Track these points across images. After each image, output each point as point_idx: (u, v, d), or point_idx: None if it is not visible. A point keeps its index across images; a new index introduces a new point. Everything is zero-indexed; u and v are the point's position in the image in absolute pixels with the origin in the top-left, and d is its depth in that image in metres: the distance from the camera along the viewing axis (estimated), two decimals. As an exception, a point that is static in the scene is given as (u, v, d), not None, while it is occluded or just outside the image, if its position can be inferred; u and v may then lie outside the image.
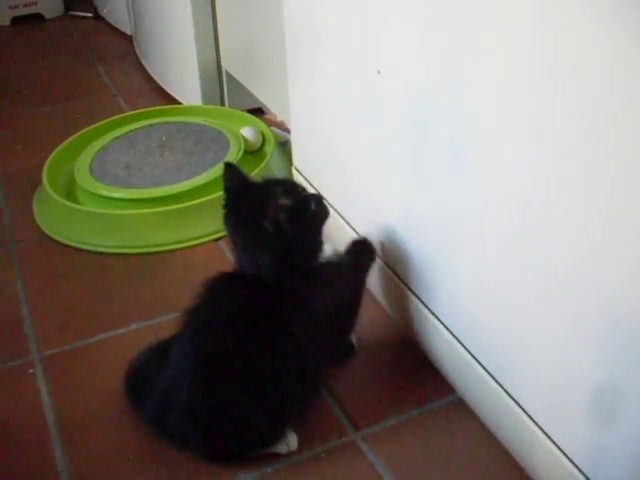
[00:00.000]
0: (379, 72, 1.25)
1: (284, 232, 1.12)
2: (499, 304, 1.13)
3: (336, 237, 1.33)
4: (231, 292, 1.18)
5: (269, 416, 1.15)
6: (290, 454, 1.20)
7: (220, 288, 1.19)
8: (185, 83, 2.37)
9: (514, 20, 0.93)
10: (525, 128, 0.97)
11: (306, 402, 1.21)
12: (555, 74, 0.89)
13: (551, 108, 0.91)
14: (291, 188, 1.18)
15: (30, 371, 1.39)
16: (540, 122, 0.93)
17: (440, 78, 1.11)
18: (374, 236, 1.43)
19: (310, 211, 1.17)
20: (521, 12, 0.91)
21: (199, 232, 1.73)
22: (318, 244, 1.19)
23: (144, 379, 1.23)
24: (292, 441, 1.20)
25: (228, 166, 1.19)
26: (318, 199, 1.20)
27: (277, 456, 1.19)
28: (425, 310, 1.33)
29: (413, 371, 1.35)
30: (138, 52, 2.80)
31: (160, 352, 1.24)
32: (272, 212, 1.11)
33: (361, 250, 1.33)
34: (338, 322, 1.27)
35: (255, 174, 1.73)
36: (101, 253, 1.72)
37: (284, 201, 1.12)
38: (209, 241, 1.73)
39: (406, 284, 1.38)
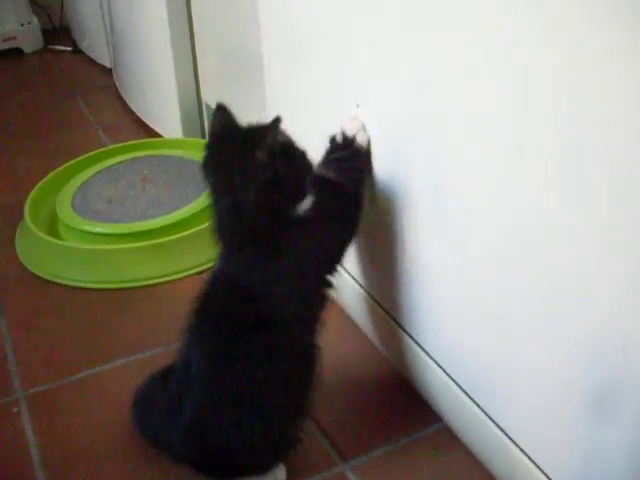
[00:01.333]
0: (358, 106, 1.27)
1: (275, 166, 1.09)
2: (481, 332, 1.14)
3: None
4: (218, 305, 1.17)
5: (268, 437, 1.15)
6: (279, 487, 1.20)
7: (207, 304, 1.18)
8: (165, 116, 2.38)
9: (495, 53, 0.95)
10: (508, 158, 0.98)
11: (298, 424, 1.19)
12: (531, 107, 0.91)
13: (537, 137, 0.93)
14: (283, 132, 1.15)
15: (15, 410, 1.38)
16: (521, 152, 0.95)
17: (419, 112, 1.13)
18: (355, 270, 1.45)
19: (300, 155, 1.15)
20: (501, 45, 0.93)
21: (182, 266, 1.73)
22: (301, 193, 1.15)
23: (151, 402, 1.24)
24: (280, 472, 1.20)
25: (220, 108, 1.17)
26: (305, 152, 1.17)
27: (266, 489, 1.20)
28: (410, 341, 1.33)
29: (399, 400, 1.36)
30: (118, 85, 2.81)
31: (166, 376, 1.24)
32: (268, 143, 1.08)
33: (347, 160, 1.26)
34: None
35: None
36: (84, 288, 1.72)
37: (280, 136, 1.11)
38: (192, 274, 1.73)
39: (390, 314, 1.38)
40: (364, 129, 1.27)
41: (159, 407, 1.21)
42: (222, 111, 1.16)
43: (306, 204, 1.14)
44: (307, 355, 1.18)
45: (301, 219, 1.14)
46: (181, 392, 1.16)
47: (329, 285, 1.20)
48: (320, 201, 1.15)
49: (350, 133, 1.26)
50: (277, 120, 1.10)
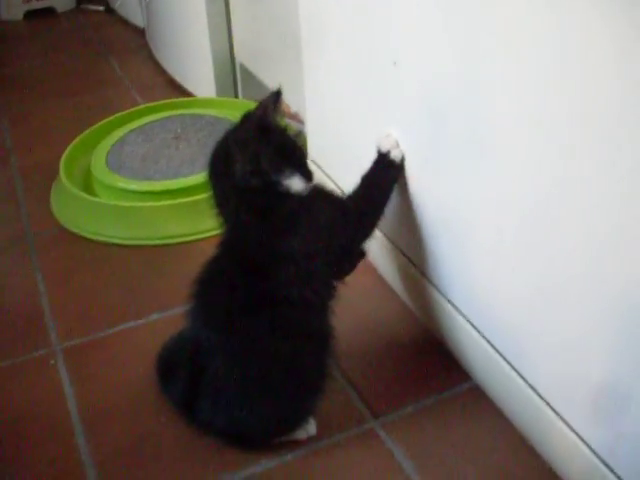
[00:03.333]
0: (395, 63, 1.26)
1: (266, 120, 1.12)
2: (515, 292, 1.14)
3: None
4: (225, 278, 1.18)
5: (296, 400, 1.18)
6: (309, 441, 1.22)
7: (215, 275, 1.20)
8: (198, 75, 2.38)
9: (532, 13, 0.94)
10: (543, 119, 0.97)
11: (324, 380, 1.19)
12: (570, 73, 0.90)
13: (571, 104, 0.92)
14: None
15: (52, 362, 1.41)
16: (557, 116, 0.94)
17: (456, 70, 1.12)
18: (387, 227, 1.45)
19: (289, 136, 1.16)
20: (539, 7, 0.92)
21: (215, 224, 1.74)
22: (289, 165, 1.13)
23: (175, 362, 1.25)
24: (311, 427, 1.22)
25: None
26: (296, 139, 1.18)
27: (296, 443, 1.21)
28: (442, 298, 1.34)
29: (430, 359, 1.37)
30: (151, 45, 2.81)
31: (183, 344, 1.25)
32: (265, 102, 1.12)
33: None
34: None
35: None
36: (119, 245, 1.74)
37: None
38: (225, 232, 1.74)
39: (423, 273, 1.39)
40: (397, 145, 1.30)
41: (180, 381, 1.23)
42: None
43: (298, 185, 1.13)
44: (316, 337, 1.17)
45: (295, 197, 1.13)
46: (196, 370, 1.18)
47: (336, 277, 1.20)
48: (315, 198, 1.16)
49: (384, 149, 1.30)
50: (278, 92, 1.13)
